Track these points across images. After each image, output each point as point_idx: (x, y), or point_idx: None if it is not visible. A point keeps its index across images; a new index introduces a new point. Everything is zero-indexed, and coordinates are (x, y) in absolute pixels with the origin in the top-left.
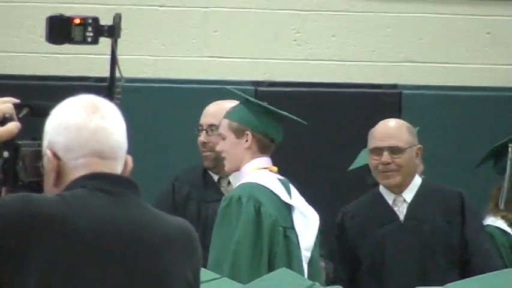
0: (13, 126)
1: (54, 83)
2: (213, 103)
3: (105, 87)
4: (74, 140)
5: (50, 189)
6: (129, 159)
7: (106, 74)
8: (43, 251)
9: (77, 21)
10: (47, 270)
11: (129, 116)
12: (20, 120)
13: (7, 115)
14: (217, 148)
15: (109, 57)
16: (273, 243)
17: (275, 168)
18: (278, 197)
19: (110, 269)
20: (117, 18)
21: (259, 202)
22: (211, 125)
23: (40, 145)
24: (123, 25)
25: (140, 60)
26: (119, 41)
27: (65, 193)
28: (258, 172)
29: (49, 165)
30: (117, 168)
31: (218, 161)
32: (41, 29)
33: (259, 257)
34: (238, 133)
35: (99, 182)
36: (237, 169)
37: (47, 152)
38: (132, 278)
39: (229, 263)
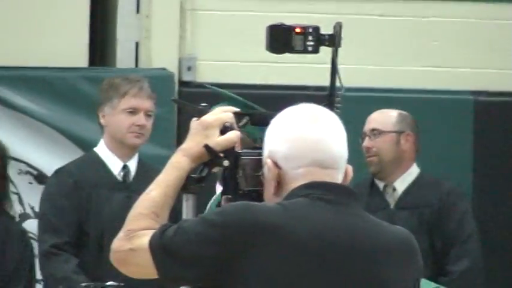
0: (233, 135)
1: (274, 92)
2: (377, 111)
3: (325, 96)
4: (295, 149)
5: (270, 198)
6: (350, 168)
7: (325, 83)
8: (262, 259)
9: (298, 30)
10: (266, 279)
11: (348, 125)
12: (240, 129)
13: (227, 124)
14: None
15: (328, 66)
16: None
17: None
18: None
19: (329, 278)
20: (338, 27)
21: None
22: (373, 130)
23: (260, 154)
24: (342, 34)
25: (358, 70)
26: (339, 50)
27: (285, 202)
28: None
29: (270, 174)
30: (338, 178)
31: (382, 166)
32: (261, 37)
33: None
34: None
35: (320, 192)
36: None
37: (267, 161)
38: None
39: None
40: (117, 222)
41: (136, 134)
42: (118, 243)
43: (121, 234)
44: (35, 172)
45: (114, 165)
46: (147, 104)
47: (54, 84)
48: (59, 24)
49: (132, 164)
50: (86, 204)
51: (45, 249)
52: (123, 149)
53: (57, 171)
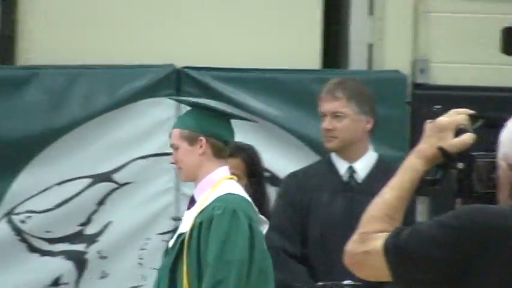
0: (468, 137)
1: (509, 94)
2: None
3: None
4: None
5: (504, 200)
6: None
7: None
8: (496, 263)
9: None
10: (499, 283)
11: None
12: (475, 131)
13: (462, 126)
14: (173, 160)
15: None
16: (261, 260)
17: (236, 178)
18: (256, 212)
19: None
20: None
21: (251, 218)
22: None
23: (495, 156)
24: None
25: None
26: None
27: None
28: (231, 182)
29: (504, 177)
30: None
31: None
32: (493, 40)
33: (251, 274)
34: (191, 140)
35: None
36: (194, 178)
37: (501, 163)
38: None
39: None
40: (338, 224)
41: (327, 139)
42: (352, 246)
43: (355, 237)
44: (267, 174)
45: (341, 167)
46: (330, 106)
47: (287, 86)
48: (292, 26)
49: (360, 165)
50: (308, 207)
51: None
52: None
53: (287, 175)
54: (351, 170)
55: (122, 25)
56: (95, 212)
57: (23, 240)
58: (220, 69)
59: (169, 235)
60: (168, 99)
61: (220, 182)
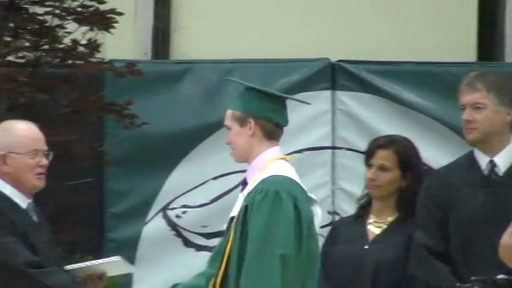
0: None
1: None
2: None
3: None
4: None
5: None
6: None
7: None
8: None
9: None
10: None
11: None
12: None
13: None
14: (226, 141)
15: None
16: (308, 241)
17: (290, 158)
18: (305, 191)
19: None
20: None
21: (296, 198)
22: None
23: None
24: None
25: None
26: None
27: None
28: (279, 163)
29: None
30: None
31: None
32: None
33: (301, 254)
34: (241, 122)
35: None
36: (246, 159)
37: None
38: None
39: (279, 268)
40: (479, 219)
41: (467, 130)
42: (506, 239)
43: (509, 229)
44: (425, 167)
45: (483, 161)
46: (469, 97)
47: (442, 79)
48: (448, 19)
49: (501, 159)
50: (449, 204)
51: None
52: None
53: (431, 173)
54: (492, 164)
55: (276, 19)
56: None
57: (179, 235)
58: (374, 62)
59: (327, 229)
60: (324, 92)
61: (269, 163)
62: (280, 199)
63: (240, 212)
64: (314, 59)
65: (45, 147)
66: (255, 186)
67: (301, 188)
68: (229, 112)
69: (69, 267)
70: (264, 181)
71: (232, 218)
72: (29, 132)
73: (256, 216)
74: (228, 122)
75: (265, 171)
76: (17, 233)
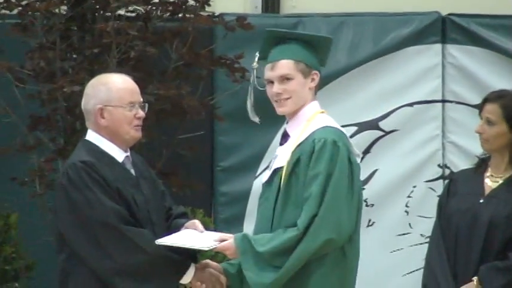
0: None
1: None
2: None
3: None
4: None
5: None
6: None
7: None
8: None
9: None
10: None
11: None
12: None
13: None
14: (279, 90)
15: None
16: (359, 190)
17: (325, 112)
18: (352, 144)
19: None
20: None
21: (349, 150)
22: None
23: None
24: None
25: None
26: None
27: None
28: (325, 116)
29: None
30: None
31: None
32: None
33: (353, 202)
34: (306, 73)
35: None
36: (298, 111)
37: None
38: None
39: (330, 195)
40: None
41: None
42: None
43: None
44: None
45: None
46: None
47: None
48: None
49: None
50: None
51: None
52: None
53: None
54: None
55: None
56: (361, 159)
57: None
58: (484, 16)
59: (437, 182)
60: (434, 46)
61: (314, 116)
62: (338, 149)
63: (289, 163)
64: (425, 12)
65: (141, 99)
66: (308, 137)
67: (350, 141)
68: (290, 62)
69: (159, 241)
70: (318, 131)
71: (276, 170)
72: (125, 85)
73: (317, 162)
74: (290, 71)
75: (312, 123)
76: (110, 188)
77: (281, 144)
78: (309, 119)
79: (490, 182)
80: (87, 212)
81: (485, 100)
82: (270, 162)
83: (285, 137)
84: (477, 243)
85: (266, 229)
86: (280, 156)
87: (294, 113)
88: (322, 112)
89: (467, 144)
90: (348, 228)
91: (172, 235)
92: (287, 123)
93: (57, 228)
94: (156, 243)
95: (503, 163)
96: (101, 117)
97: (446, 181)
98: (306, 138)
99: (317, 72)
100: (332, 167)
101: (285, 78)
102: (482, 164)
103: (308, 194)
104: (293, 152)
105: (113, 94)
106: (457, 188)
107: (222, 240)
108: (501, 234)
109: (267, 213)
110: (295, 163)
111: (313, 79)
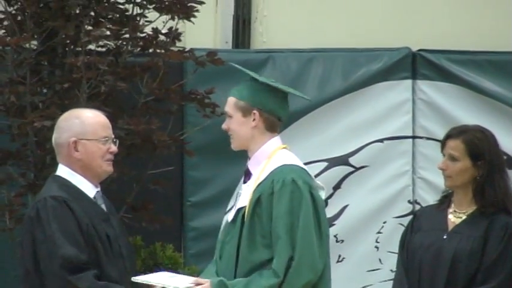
0: None
1: None
2: None
3: None
4: None
5: None
6: None
7: None
8: None
9: None
10: None
11: None
12: None
13: None
14: (223, 126)
15: None
16: (325, 225)
17: (287, 148)
18: (313, 178)
19: None
20: None
21: (311, 185)
22: None
23: None
24: None
25: None
26: None
27: None
28: (284, 153)
29: None
30: None
31: None
32: None
33: (322, 238)
34: (245, 112)
35: None
36: (245, 148)
37: None
38: None
39: (301, 236)
40: None
41: None
42: None
43: None
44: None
45: None
46: None
47: None
48: None
49: None
50: None
51: None
52: None
53: None
54: None
55: (356, 8)
56: (331, 195)
57: None
58: (455, 51)
59: (407, 218)
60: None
61: (274, 153)
62: (298, 187)
63: (251, 203)
64: (395, 48)
65: (113, 135)
66: (267, 177)
67: (310, 175)
68: (232, 100)
69: (135, 279)
70: (275, 171)
71: (239, 209)
72: (99, 119)
73: (278, 203)
74: (229, 109)
75: (271, 161)
76: (81, 224)
77: (244, 182)
78: (269, 156)
79: (454, 218)
80: (42, 252)
81: (448, 136)
82: (235, 200)
83: (248, 174)
84: (441, 279)
85: (230, 268)
86: (243, 194)
87: (253, 150)
88: (284, 147)
89: (437, 180)
90: (321, 266)
91: (147, 275)
92: (249, 159)
93: (23, 261)
94: (132, 280)
95: (466, 199)
96: (75, 150)
97: (410, 217)
98: (266, 178)
99: (257, 111)
100: (295, 207)
101: (228, 116)
102: (445, 200)
103: (276, 236)
104: (254, 191)
105: (87, 127)
106: (421, 224)
107: (198, 284)
108: (464, 270)
109: (231, 251)
110: (256, 203)
111: (254, 119)
